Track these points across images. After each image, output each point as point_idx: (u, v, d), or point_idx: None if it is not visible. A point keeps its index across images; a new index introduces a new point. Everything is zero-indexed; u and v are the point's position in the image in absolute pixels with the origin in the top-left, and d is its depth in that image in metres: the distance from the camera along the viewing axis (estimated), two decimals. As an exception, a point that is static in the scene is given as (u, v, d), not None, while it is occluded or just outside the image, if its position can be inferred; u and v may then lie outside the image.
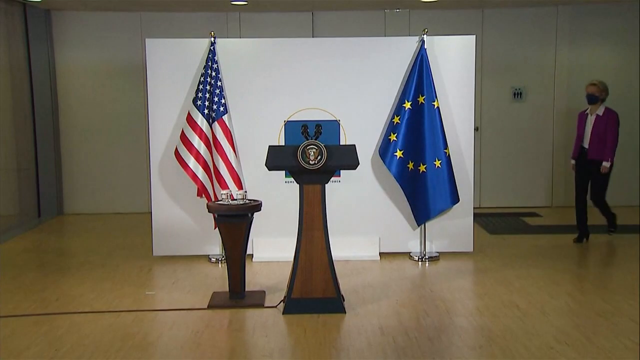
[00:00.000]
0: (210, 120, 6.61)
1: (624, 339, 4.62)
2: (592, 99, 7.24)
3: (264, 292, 5.76)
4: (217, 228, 6.01)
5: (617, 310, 5.21)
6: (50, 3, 8.98)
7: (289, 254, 5.34)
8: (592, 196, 7.44)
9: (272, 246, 6.86)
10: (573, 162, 7.48)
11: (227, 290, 5.58)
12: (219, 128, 6.62)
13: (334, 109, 6.85)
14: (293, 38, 8.25)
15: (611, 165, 7.23)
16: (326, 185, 5.23)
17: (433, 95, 6.63)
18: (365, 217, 6.95)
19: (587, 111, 7.33)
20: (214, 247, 6.92)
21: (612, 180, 9.72)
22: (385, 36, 9.26)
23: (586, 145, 7.28)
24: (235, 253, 5.49)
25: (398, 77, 6.80)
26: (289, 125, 6.83)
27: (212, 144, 6.61)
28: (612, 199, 9.64)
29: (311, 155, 5.13)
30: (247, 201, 5.59)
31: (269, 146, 5.40)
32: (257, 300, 5.52)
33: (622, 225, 8.41)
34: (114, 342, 4.65)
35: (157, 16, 9.45)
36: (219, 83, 6.64)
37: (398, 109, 6.70)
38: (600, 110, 7.24)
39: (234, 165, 6.62)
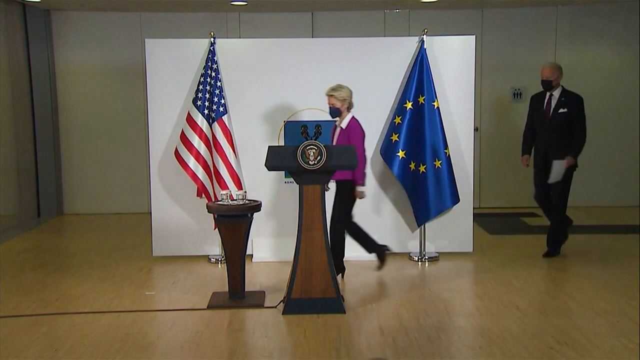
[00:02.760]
0: (210, 121, 6.61)
1: (624, 339, 4.62)
2: (334, 112, 5.98)
3: (264, 292, 5.76)
4: (216, 228, 6.01)
5: (617, 311, 5.20)
6: (50, 3, 8.98)
7: (289, 254, 5.34)
8: (332, 219, 5.98)
9: (272, 246, 6.86)
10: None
11: (227, 290, 5.58)
12: (219, 128, 6.62)
13: (333, 109, 6.84)
14: (293, 38, 8.25)
15: (354, 187, 5.93)
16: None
17: (433, 96, 6.63)
18: (364, 217, 6.94)
19: (336, 123, 6.09)
20: (214, 247, 6.92)
21: (611, 180, 9.76)
22: (385, 36, 9.25)
23: None
24: (235, 253, 5.49)
25: (398, 78, 6.80)
26: (289, 126, 6.83)
27: (212, 144, 6.61)
28: (612, 198, 9.68)
29: (311, 156, 5.13)
30: (246, 201, 5.58)
31: (269, 146, 5.40)
32: (256, 300, 5.52)
33: (622, 225, 8.43)
34: (113, 342, 4.65)
35: (157, 16, 9.45)
36: (218, 83, 6.64)
37: (399, 110, 6.70)
38: (345, 122, 5.95)
39: (233, 166, 6.62)
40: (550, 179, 6.68)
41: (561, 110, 6.63)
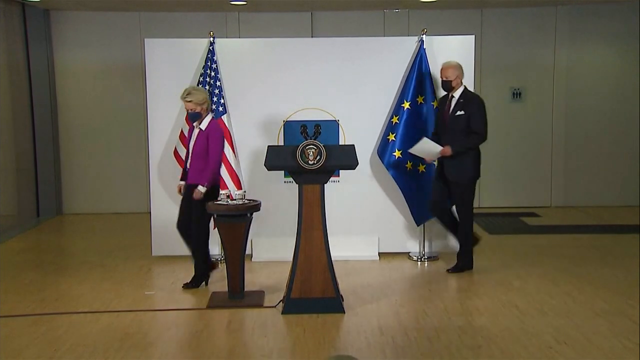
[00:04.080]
0: (210, 120, 6.60)
1: (624, 339, 4.62)
2: (194, 117, 5.73)
3: (263, 292, 5.75)
4: (216, 228, 6.01)
5: (617, 310, 5.20)
6: (49, 3, 8.98)
7: (288, 254, 5.33)
8: (192, 234, 5.87)
9: (272, 246, 6.85)
10: (181, 183, 6.00)
11: (227, 290, 5.57)
12: (218, 128, 6.61)
13: (333, 108, 6.84)
14: (292, 38, 8.24)
15: (209, 192, 5.67)
16: (325, 185, 5.23)
17: (432, 96, 6.63)
18: (364, 217, 6.94)
19: (195, 124, 5.81)
20: (214, 247, 6.90)
21: (611, 180, 9.75)
22: (384, 36, 9.25)
23: (189, 165, 5.85)
24: (235, 253, 5.49)
25: (397, 77, 6.80)
26: (288, 125, 6.83)
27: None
28: (612, 198, 9.68)
29: (310, 155, 5.13)
30: (246, 201, 5.58)
31: (268, 146, 5.40)
32: (256, 300, 5.52)
33: (622, 225, 8.43)
34: (113, 342, 4.65)
35: (157, 16, 9.44)
36: (218, 83, 6.64)
37: (397, 109, 6.70)
38: (204, 124, 5.73)
39: (233, 166, 6.62)
40: (411, 148, 6.28)
41: (459, 113, 6.10)
